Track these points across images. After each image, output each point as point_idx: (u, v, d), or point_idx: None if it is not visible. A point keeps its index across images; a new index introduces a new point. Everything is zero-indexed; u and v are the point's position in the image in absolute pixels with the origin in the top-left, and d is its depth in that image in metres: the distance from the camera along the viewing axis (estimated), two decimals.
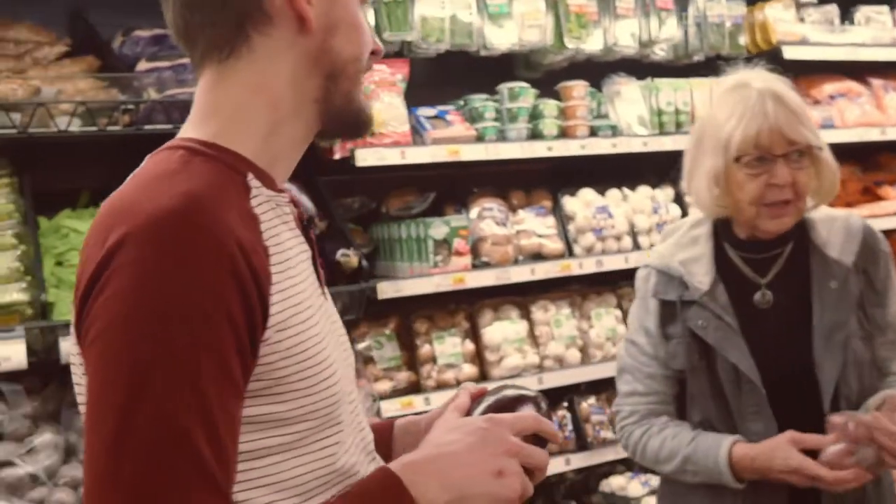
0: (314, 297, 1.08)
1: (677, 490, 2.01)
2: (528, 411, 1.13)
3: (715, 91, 1.96)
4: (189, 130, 1.09)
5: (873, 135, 3.93)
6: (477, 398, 1.19)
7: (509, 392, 1.18)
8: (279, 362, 0.99)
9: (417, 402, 2.89)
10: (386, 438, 1.28)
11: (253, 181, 1.05)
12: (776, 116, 1.83)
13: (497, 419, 1.09)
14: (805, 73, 3.98)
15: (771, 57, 3.72)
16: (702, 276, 1.93)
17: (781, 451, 1.78)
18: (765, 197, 1.85)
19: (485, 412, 1.14)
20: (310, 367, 1.02)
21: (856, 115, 3.91)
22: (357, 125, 1.16)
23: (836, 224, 1.96)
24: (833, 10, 3.98)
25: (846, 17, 4.03)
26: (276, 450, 1.00)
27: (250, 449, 0.98)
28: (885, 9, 4.10)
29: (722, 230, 1.98)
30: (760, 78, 1.92)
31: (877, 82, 4.09)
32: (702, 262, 1.95)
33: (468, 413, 1.16)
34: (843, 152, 4.06)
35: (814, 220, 1.97)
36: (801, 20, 3.87)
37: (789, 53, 3.70)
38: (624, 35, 3.45)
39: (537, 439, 1.11)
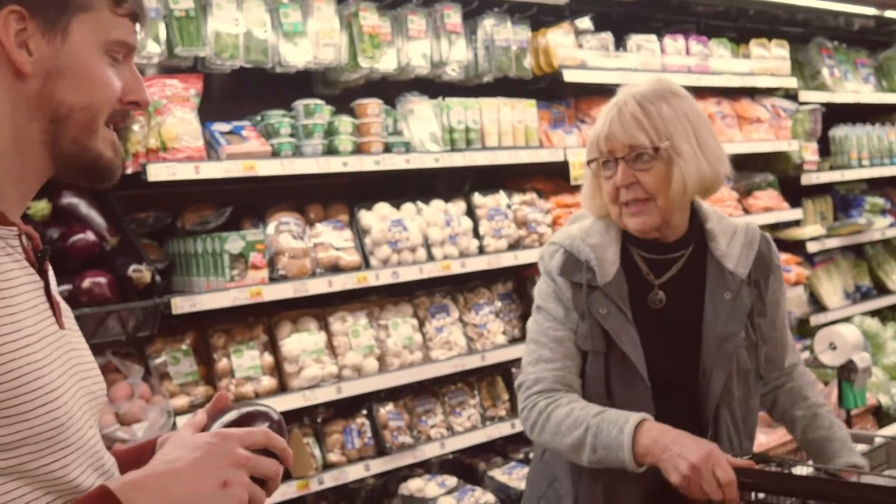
0: (39, 327, 1.11)
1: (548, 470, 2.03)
2: (261, 427, 1.18)
3: None
4: None
5: None
6: (214, 415, 1.22)
7: (245, 408, 1.22)
8: None
9: None
10: (147, 457, 1.32)
11: None
12: (611, 124, 1.93)
13: (225, 433, 1.14)
14: (585, 94, 4.30)
15: (553, 79, 4.04)
16: (608, 265, 1.97)
17: (713, 453, 1.71)
18: (618, 197, 1.94)
19: (219, 428, 1.17)
20: (23, 394, 1.04)
21: None
22: (94, 172, 1.18)
23: (736, 236, 2.03)
24: (608, 37, 4.31)
25: (620, 44, 4.38)
26: None
27: None
28: (653, 38, 4.49)
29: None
30: (634, 87, 1.98)
31: None
32: (610, 251, 1.99)
33: (205, 429, 1.19)
34: None
35: (715, 232, 2.03)
36: (580, 46, 4.17)
37: (569, 76, 3.99)
38: (416, 55, 3.61)
39: (270, 453, 1.16)
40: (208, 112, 3.14)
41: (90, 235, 2.81)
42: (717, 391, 1.93)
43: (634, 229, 1.97)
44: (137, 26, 1.21)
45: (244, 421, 1.19)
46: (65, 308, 1.23)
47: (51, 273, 1.22)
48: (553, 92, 4.17)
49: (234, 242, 2.99)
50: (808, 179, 5.20)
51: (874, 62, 5.97)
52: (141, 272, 2.80)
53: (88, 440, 1.15)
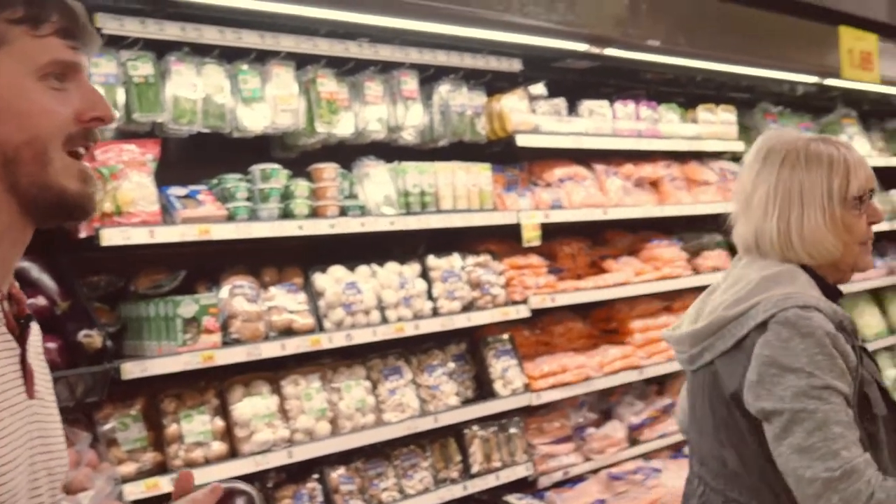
0: (4, 396, 1.10)
1: None
2: None
3: (774, 158, 1.97)
4: None
5: (597, 214, 4.40)
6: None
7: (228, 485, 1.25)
8: None
9: (164, 483, 2.86)
10: None
11: None
12: (866, 162, 1.99)
13: None
14: (538, 158, 4.40)
15: (507, 143, 4.13)
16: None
17: None
18: (868, 234, 1.97)
19: None
20: None
21: (582, 197, 4.36)
22: (65, 209, 1.14)
23: None
24: (561, 102, 4.42)
25: (572, 109, 4.49)
26: None
27: None
28: (605, 103, 4.61)
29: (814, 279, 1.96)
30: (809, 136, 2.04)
31: (599, 167, 4.58)
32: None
33: None
34: (571, 230, 4.55)
35: None
36: (534, 111, 4.27)
37: (522, 141, 4.08)
38: (373, 120, 3.67)
39: None
40: (165, 176, 3.16)
41: (41, 300, 2.79)
42: None
43: (866, 268, 2.01)
44: (76, 41, 1.13)
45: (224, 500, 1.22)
46: (40, 376, 1.21)
47: (32, 340, 1.19)
48: (507, 156, 4.25)
49: (187, 306, 2.99)
50: None
51: (817, 126, 6.18)
52: (91, 337, 2.79)
53: None
